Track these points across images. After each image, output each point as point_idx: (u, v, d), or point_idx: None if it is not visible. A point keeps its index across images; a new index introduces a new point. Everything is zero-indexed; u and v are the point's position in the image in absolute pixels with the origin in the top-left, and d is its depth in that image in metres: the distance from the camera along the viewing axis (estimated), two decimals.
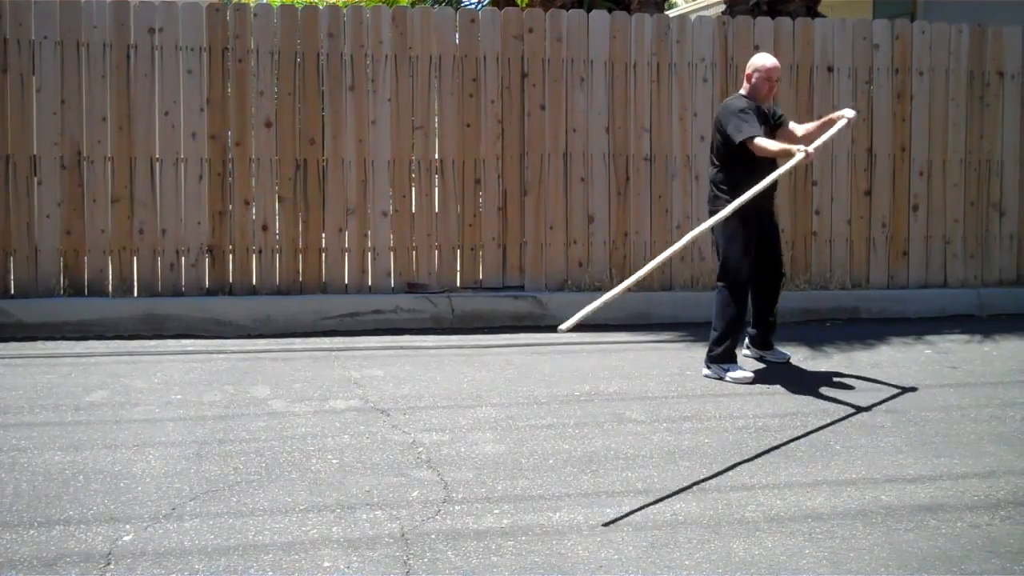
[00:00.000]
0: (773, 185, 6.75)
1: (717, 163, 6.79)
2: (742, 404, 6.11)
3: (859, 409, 6.04)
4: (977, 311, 9.18)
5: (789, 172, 6.59)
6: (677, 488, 4.70)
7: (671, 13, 16.37)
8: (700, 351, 7.49)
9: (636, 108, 8.96)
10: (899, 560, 3.95)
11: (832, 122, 6.74)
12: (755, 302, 7.03)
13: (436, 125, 8.80)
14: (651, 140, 8.99)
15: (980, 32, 9.60)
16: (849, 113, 6.65)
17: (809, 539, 4.15)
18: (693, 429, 5.61)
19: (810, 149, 6.28)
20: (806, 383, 6.60)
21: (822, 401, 6.21)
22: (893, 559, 3.96)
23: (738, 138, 6.51)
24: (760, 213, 6.73)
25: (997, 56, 9.60)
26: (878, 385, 6.62)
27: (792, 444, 5.37)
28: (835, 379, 6.78)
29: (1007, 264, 9.70)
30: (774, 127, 6.86)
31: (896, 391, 6.48)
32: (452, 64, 8.66)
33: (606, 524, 4.24)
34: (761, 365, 7.04)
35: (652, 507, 4.45)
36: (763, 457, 5.15)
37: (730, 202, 6.57)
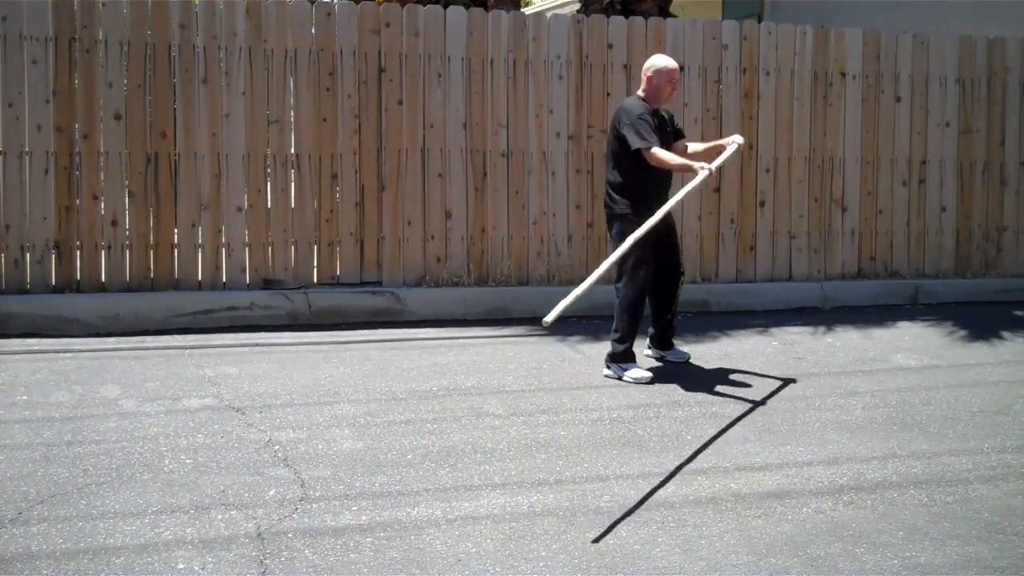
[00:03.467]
0: (669, 183, 6.86)
1: (612, 165, 6.76)
2: (597, 397, 6.22)
3: (709, 400, 6.22)
4: (820, 303, 9.51)
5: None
6: (534, 480, 4.77)
7: (527, 11, 16.50)
8: (556, 345, 7.61)
9: (493, 104, 9.02)
10: (748, 546, 4.09)
11: (722, 147, 6.96)
12: (653, 302, 7.02)
13: (292, 119, 8.70)
14: (508, 136, 9.06)
15: (823, 33, 9.93)
16: (738, 139, 6.85)
17: (662, 527, 4.26)
18: (549, 422, 5.69)
19: (712, 167, 6.38)
20: (658, 375, 6.74)
21: (673, 392, 6.37)
22: (742, 545, 4.09)
23: (635, 145, 6.51)
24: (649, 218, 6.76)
25: (839, 57, 9.95)
26: (727, 376, 6.82)
27: (645, 435, 5.49)
28: (686, 371, 6.95)
29: (849, 258, 10.07)
30: (672, 134, 6.87)
31: (744, 382, 6.68)
32: (308, 58, 8.57)
33: None
34: (659, 364, 7.11)
35: (509, 499, 4.51)
36: (617, 448, 5.26)
37: (626, 207, 6.63)
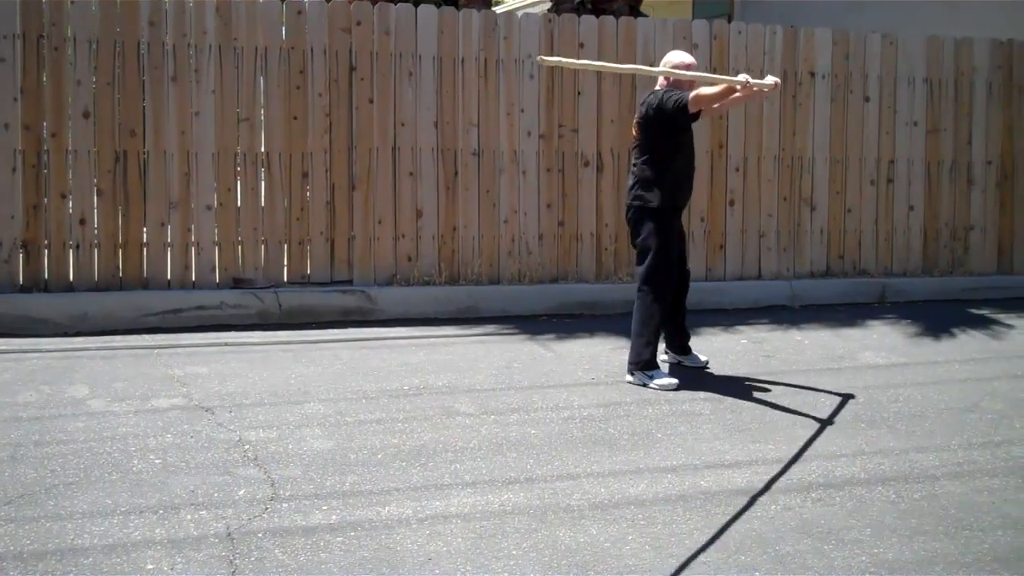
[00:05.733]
0: (690, 187, 6.76)
1: (645, 158, 6.57)
2: (568, 395, 6.24)
3: (679, 398, 6.24)
4: (789, 302, 9.56)
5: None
6: (504, 479, 4.78)
7: (498, 10, 16.48)
8: (527, 344, 7.61)
9: (464, 103, 9.02)
10: (718, 543, 4.10)
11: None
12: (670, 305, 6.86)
13: (262, 117, 8.67)
14: (479, 135, 9.06)
15: (793, 33, 9.99)
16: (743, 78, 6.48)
17: (632, 525, 4.27)
18: (520, 420, 5.70)
19: (747, 79, 6.28)
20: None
21: (644, 391, 6.38)
22: (712, 542, 4.11)
23: (685, 99, 6.32)
24: (676, 212, 6.67)
25: (809, 57, 10.00)
26: (697, 374, 6.84)
27: (615, 433, 5.51)
28: None
29: (817, 256, 10.13)
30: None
31: (714, 380, 6.71)
32: (279, 56, 8.54)
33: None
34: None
35: (480, 498, 4.52)
36: (588, 446, 5.27)
37: (652, 199, 6.50)
